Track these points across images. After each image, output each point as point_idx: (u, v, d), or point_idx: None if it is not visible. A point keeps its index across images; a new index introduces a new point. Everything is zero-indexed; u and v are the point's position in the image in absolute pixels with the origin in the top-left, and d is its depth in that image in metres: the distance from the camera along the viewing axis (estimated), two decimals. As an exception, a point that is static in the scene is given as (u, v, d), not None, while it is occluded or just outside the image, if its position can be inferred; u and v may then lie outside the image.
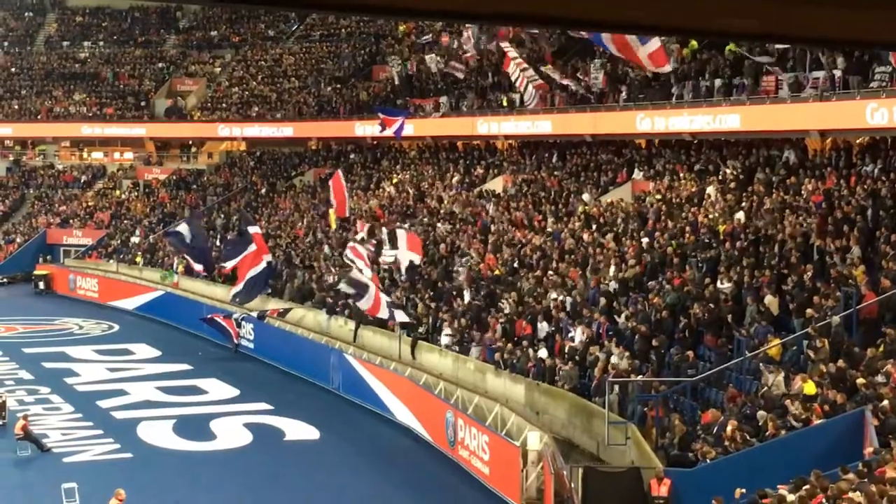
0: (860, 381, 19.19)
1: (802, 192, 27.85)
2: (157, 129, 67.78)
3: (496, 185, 42.59)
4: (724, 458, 19.18)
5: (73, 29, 76.28)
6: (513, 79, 41.04)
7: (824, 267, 23.97)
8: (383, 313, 32.47)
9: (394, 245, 33.93)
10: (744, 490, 17.23)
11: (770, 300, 23.62)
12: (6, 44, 75.73)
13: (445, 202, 42.95)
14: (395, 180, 49.39)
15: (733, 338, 23.65)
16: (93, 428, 29.88)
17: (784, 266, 24.76)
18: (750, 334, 23.08)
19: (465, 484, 25.28)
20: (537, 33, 43.71)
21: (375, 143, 54.25)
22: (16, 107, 69.88)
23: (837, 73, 28.21)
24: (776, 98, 30.03)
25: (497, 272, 33.27)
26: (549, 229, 34.63)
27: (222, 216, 56.04)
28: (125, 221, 61.78)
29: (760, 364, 21.59)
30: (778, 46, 28.72)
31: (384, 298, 32.38)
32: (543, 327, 28.40)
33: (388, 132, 44.85)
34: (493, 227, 37.26)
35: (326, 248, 43.84)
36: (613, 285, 28.48)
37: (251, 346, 40.77)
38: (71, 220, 63.76)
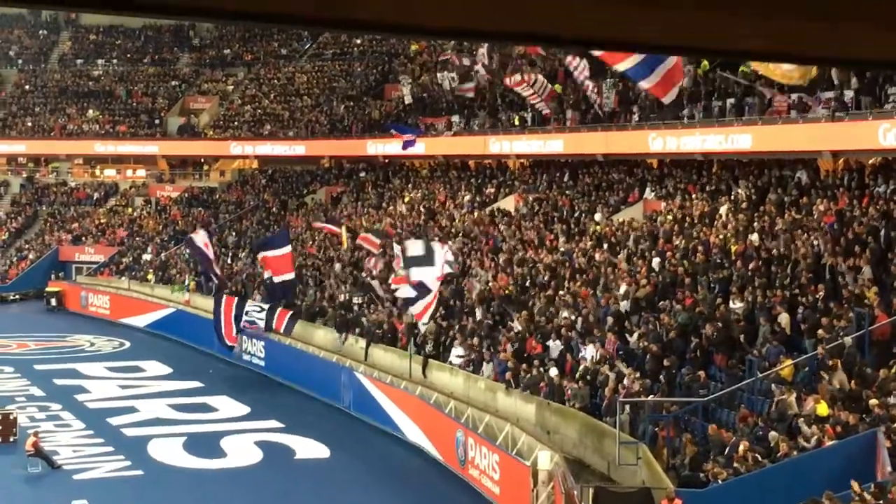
0: (873, 402, 19.12)
1: (814, 212, 27.79)
2: (169, 146, 67.93)
3: (508, 204, 42.60)
4: (736, 478, 19.09)
5: (87, 47, 76.65)
6: (525, 94, 41.04)
7: (836, 288, 23.91)
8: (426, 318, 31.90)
9: (430, 262, 32.73)
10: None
11: (784, 318, 23.56)
12: (21, 61, 76.06)
13: (457, 221, 42.96)
14: (406, 199, 49.43)
15: (745, 358, 23.59)
16: (103, 445, 29.90)
17: (796, 286, 24.70)
18: (762, 355, 23.01)
19: (476, 503, 25.21)
20: (550, 53, 43.79)
21: (387, 161, 54.34)
22: (29, 124, 70.14)
23: (850, 93, 28.20)
24: (788, 118, 30.01)
25: (508, 291, 33.23)
26: (560, 248, 34.60)
27: (234, 234, 56.14)
28: (137, 239, 61.92)
29: (772, 385, 21.52)
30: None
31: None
32: (555, 346, 28.35)
33: (398, 146, 45.06)
34: (504, 246, 37.24)
35: (338, 267, 43.85)
36: (625, 305, 28.43)
37: (262, 363, 40.77)
38: (83, 238, 63.91)
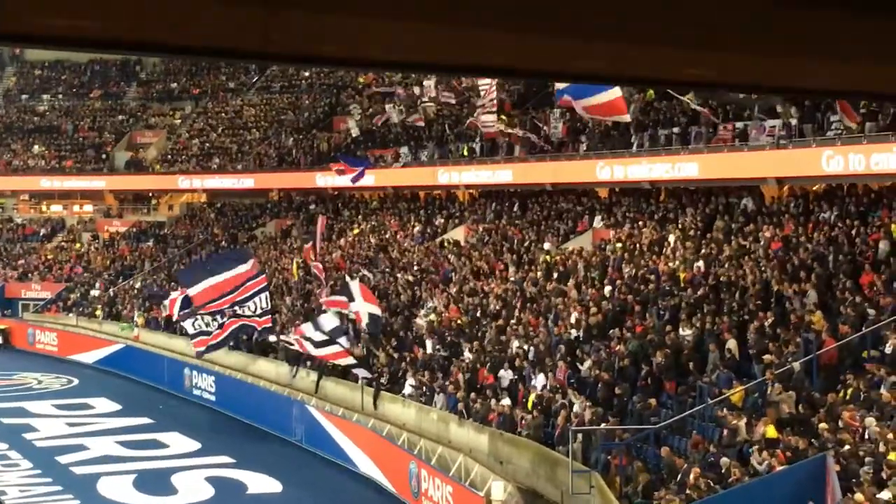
0: (822, 426, 19.29)
1: (761, 238, 28.08)
2: (116, 181, 67.44)
3: (457, 234, 42.67)
4: (689, 505, 19.17)
5: (32, 82, 76.09)
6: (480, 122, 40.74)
7: (784, 313, 24.15)
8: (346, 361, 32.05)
9: (350, 297, 33.15)
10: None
11: (732, 344, 23.76)
12: (-35, 98, 75.39)
13: (407, 252, 42.97)
14: (356, 231, 49.39)
15: (695, 385, 23.74)
16: (52, 484, 29.50)
17: (745, 313, 24.93)
18: (712, 381, 23.17)
19: (430, 535, 25.13)
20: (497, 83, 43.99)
21: (336, 193, 54.29)
22: (-26, 160, 69.45)
23: (793, 121, 28.60)
24: (733, 146, 30.36)
25: (460, 322, 33.25)
26: (511, 278, 34.69)
27: (183, 267, 55.75)
28: (85, 274, 61.35)
29: (724, 408, 21.67)
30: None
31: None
32: (506, 376, 28.37)
33: (346, 180, 44.91)
34: (454, 277, 37.29)
35: (288, 300, 43.69)
36: (575, 333, 28.53)
37: (213, 398, 40.47)
38: (30, 274, 63.25)
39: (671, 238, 31.38)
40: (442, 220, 45.27)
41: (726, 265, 27.34)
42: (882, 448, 17.97)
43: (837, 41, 2.63)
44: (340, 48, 2.49)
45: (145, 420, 38.07)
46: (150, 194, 68.01)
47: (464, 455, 26.20)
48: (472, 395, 28.27)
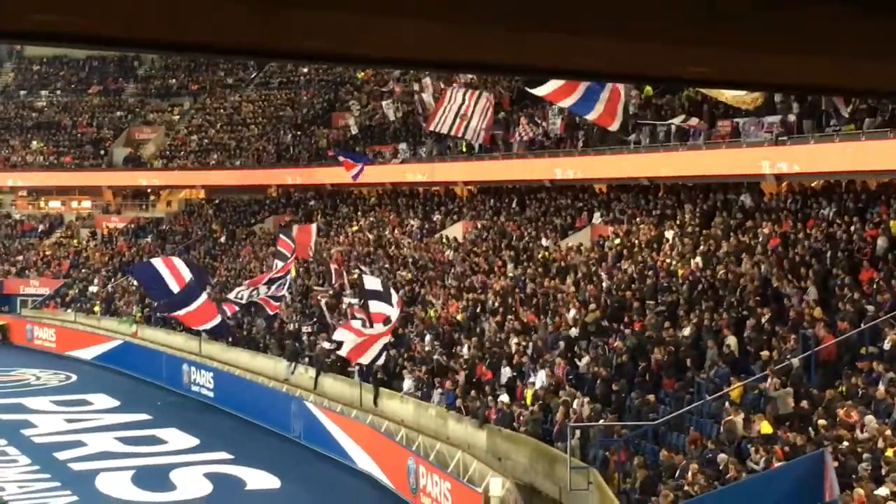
0: (821, 422, 19.30)
1: (759, 235, 28.08)
2: (115, 177, 67.43)
3: (456, 231, 42.67)
4: (687, 501, 19.16)
5: (31, 78, 76.03)
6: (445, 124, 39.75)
7: (782, 310, 24.16)
8: (366, 359, 31.20)
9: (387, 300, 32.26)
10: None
11: (732, 341, 23.76)
12: (-37, 94, 75.37)
13: (405, 248, 42.97)
14: (355, 227, 49.38)
15: (692, 381, 23.75)
16: (50, 480, 29.50)
17: (743, 309, 24.94)
18: (710, 377, 23.18)
19: (428, 531, 25.15)
20: (495, 80, 43.97)
21: (335, 189, 54.28)
22: (-29, 156, 69.46)
23: (791, 117, 28.59)
24: (732, 142, 30.35)
25: (459, 317, 33.26)
26: (509, 274, 34.69)
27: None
28: (83, 270, 61.32)
29: (725, 402, 21.67)
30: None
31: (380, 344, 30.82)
32: (505, 372, 28.38)
33: (347, 176, 44.96)
34: (452, 273, 37.28)
35: (288, 296, 43.66)
36: (574, 330, 28.54)
37: (211, 394, 40.47)
38: (28, 270, 63.22)
39: (669, 234, 31.38)
40: (440, 217, 45.27)
41: (725, 262, 27.35)
42: (880, 444, 17.98)
43: (836, 39, 2.64)
44: (339, 45, 2.49)
45: (144, 416, 38.08)
46: (149, 191, 67.99)
47: (462, 451, 26.21)
48: (472, 392, 28.28)
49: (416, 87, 51.15)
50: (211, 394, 40.48)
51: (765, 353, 22.41)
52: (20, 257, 64.65)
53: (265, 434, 35.18)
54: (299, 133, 61.43)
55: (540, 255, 35.05)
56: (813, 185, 29.63)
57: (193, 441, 34.27)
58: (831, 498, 16.58)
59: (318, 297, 39.84)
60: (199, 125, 68.63)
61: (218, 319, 37.05)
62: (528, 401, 26.50)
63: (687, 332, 25.30)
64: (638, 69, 2.76)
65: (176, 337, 46.32)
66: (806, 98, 27.81)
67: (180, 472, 30.21)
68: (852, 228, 25.84)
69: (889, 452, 17.53)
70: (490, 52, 2.59)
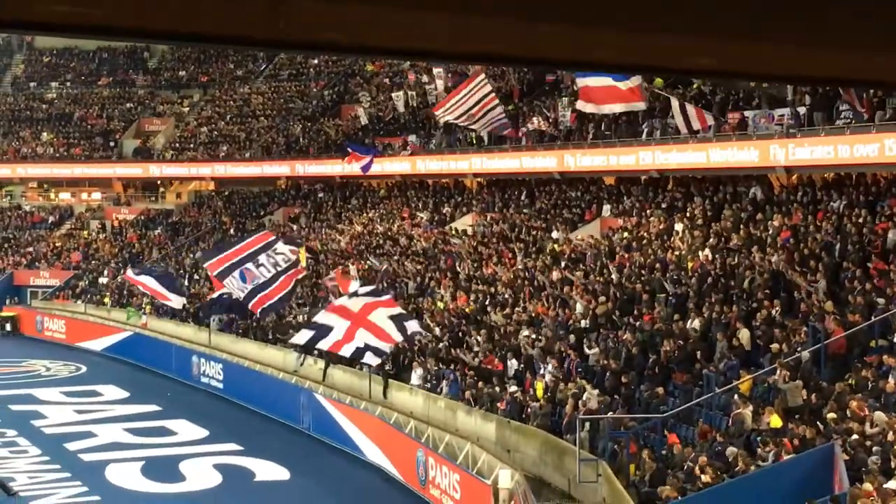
0: (830, 415, 19.28)
1: (770, 228, 28.03)
2: (125, 169, 67.55)
3: (465, 223, 42.66)
4: (695, 494, 19.16)
5: (41, 70, 76.14)
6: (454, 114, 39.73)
7: (792, 303, 24.12)
8: (346, 351, 31.20)
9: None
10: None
11: (744, 334, 23.72)
12: (-27, 85, 75.49)
13: (415, 240, 42.98)
14: (364, 219, 49.42)
15: (701, 374, 23.72)
16: (60, 471, 29.58)
17: (753, 302, 24.89)
18: (719, 370, 23.16)
19: (437, 523, 25.17)
20: (505, 70, 43.96)
21: (344, 181, 54.31)
22: (-18, 148, 69.60)
23: (802, 109, 28.54)
24: (742, 134, 30.29)
25: (468, 310, 33.28)
26: (518, 266, 34.68)
27: (192, 256, 55.86)
28: (93, 262, 61.45)
29: (735, 395, 21.65)
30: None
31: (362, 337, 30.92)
32: (514, 364, 28.39)
33: (356, 167, 44.96)
34: (462, 265, 37.28)
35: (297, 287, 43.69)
36: (584, 322, 28.52)
37: (220, 386, 40.55)
38: (38, 262, 63.37)
39: (679, 227, 31.34)
40: (450, 209, 45.27)
41: (735, 254, 27.30)
42: (890, 437, 17.96)
43: (850, 30, 2.63)
44: (350, 36, 2.49)
45: (153, 407, 38.16)
46: (159, 182, 68.09)
47: (471, 443, 26.22)
48: (480, 383, 28.31)
49: (425, 78, 51.18)
50: (220, 385, 40.55)
51: (774, 346, 22.39)
52: (30, 249, 64.81)
53: (274, 425, 35.22)
54: (309, 125, 61.45)
55: (549, 248, 35.03)
56: (823, 177, 29.56)
57: (203, 432, 34.33)
58: (840, 491, 16.57)
59: (328, 287, 39.84)
60: (209, 117, 68.68)
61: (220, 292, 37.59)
62: (539, 393, 26.51)
63: (696, 324, 25.27)
64: (648, 61, 2.75)
65: (185, 328, 46.41)
66: (817, 90, 27.74)
67: (190, 464, 30.27)
68: (862, 221, 25.78)
69: (899, 446, 17.51)
70: (500, 43, 2.58)
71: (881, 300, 22.32)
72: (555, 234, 36.26)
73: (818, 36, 2.65)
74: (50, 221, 67.81)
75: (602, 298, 28.92)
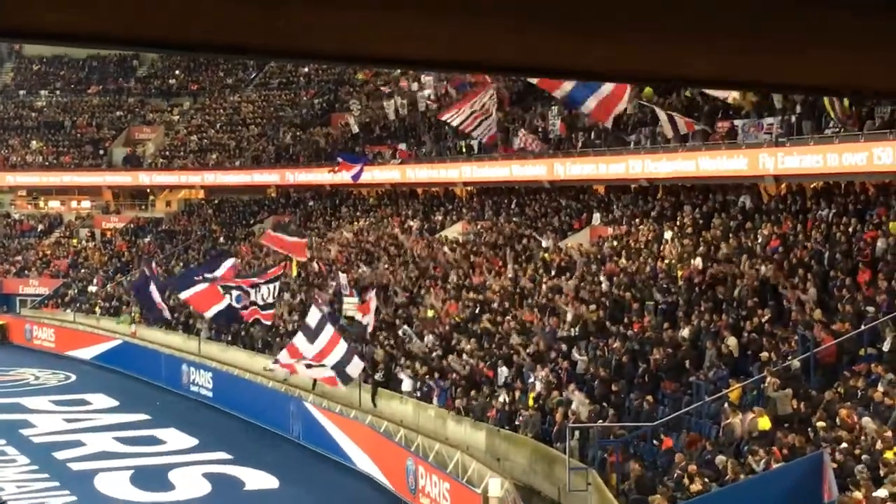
0: (820, 424, 19.29)
1: (759, 236, 28.08)
2: (114, 177, 67.44)
3: (455, 231, 42.66)
4: (685, 502, 19.16)
5: (30, 78, 76.03)
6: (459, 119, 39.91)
7: (782, 311, 24.16)
8: (322, 374, 30.97)
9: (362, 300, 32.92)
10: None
11: (732, 342, 23.75)
12: (-38, 93, 75.34)
13: (405, 248, 42.96)
14: (354, 227, 49.38)
15: (690, 382, 23.74)
16: (49, 480, 29.49)
17: (742, 311, 24.93)
18: (709, 379, 23.17)
19: (427, 532, 25.14)
20: (496, 79, 43.95)
21: (334, 189, 54.27)
22: (-29, 156, 69.43)
23: (791, 118, 28.61)
24: (731, 143, 30.37)
25: (458, 318, 33.26)
26: (508, 275, 34.68)
27: (181, 264, 55.78)
28: (82, 270, 61.31)
29: (725, 403, 21.66)
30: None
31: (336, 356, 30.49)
32: (503, 372, 28.38)
33: (346, 176, 44.92)
34: (452, 273, 37.26)
35: (287, 296, 43.66)
36: (573, 331, 28.52)
37: (210, 394, 40.46)
38: (27, 270, 63.21)
39: (668, 235, 31.38)
40: (440, 217, 45.27)
41: (724, 263, 27.33)
42: (879, 446, 17.98)
43: (845, 40, 2.64)
44: (341, 44, 2.49)
45: (143, 416, 38.07)
46: (148, 190, 68.00)
47: (461, 452, 26.20)
48: (472, 392, 28.29)
49: (415, 86, 51.24)
50: (210, 394, 40.47)
51: (764, 355, 22.41)
52: (19, 257, 64.66)
53: (264, 434, 35.16)
54: (299, 133, 61.42)
55: (539, 256, 35.04)
56: (812, 186, 29.63)
57: (192, 441, 34.26)
58: (830, 499, 16.59)
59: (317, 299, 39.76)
60: (199, 125, 68.64)
61: (225, 303, 36.94)
62: (530, 402, 26.49)
63: (686, 332, 25.29)
64: (642, 69, 2.76)
65: (175, 337, 46.31)
66: (807, 99, 27.83)
67: (179, 472, 30.20)
68: (851, 230, 25.84)
69: (888, 454, 17.53)
70: (493, 51, 2.59)
71: (870, 309, 22.36)
72: (545, 243, 36.26)
73: (816, 46, 2.66)
74: (39, 230, 67.66)
75: (592, 307, 28.92)
